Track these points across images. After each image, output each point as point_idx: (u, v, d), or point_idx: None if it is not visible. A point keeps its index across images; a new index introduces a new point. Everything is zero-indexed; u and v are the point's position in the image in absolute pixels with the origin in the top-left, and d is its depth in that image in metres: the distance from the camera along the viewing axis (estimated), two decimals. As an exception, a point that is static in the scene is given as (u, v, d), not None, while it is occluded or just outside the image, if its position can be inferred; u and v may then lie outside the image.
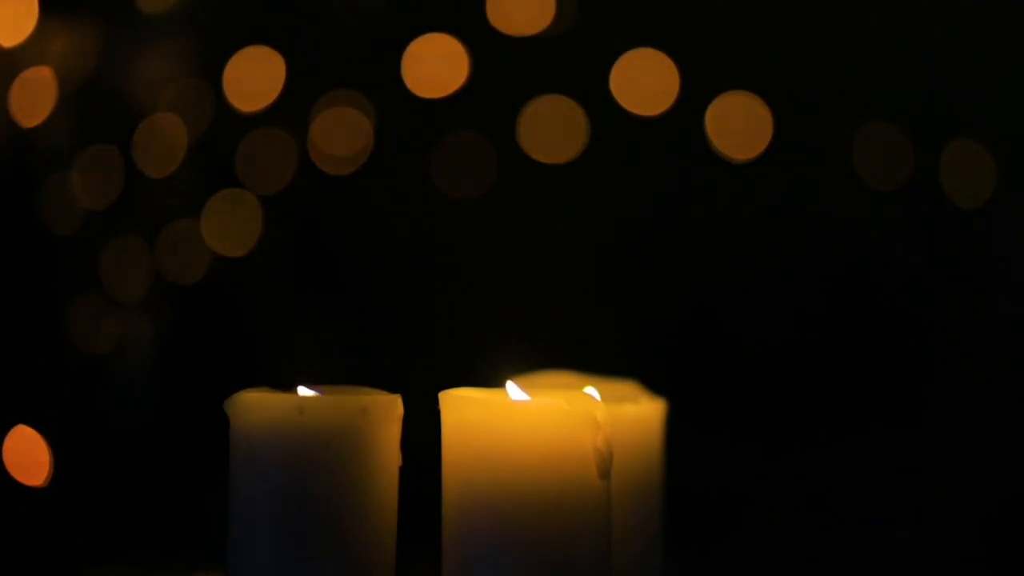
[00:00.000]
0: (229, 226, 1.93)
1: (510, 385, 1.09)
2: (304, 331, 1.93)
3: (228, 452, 1.09)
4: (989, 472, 1.86)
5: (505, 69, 1.93)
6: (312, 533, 1.06)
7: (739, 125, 1.90)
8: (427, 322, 1.95)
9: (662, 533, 1.23)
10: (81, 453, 1.86)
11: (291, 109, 1.93)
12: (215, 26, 1.94)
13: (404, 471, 1.10)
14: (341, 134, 1.94)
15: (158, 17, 1.92)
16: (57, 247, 1.90)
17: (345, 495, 1.06)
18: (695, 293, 1.94)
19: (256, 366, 1.90)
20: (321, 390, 1.12)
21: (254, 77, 1.93)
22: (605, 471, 1.04)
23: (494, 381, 1.12)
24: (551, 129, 1.92)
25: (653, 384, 1.26)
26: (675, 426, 1.25)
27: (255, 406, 1.07)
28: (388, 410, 1.09)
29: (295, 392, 1.11)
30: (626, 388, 1.25)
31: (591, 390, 1.17)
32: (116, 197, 1.91)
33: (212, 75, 1.92)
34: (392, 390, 1.11)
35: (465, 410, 1.05)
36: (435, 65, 1.92)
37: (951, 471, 1.86)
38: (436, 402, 1.07)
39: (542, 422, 1.03)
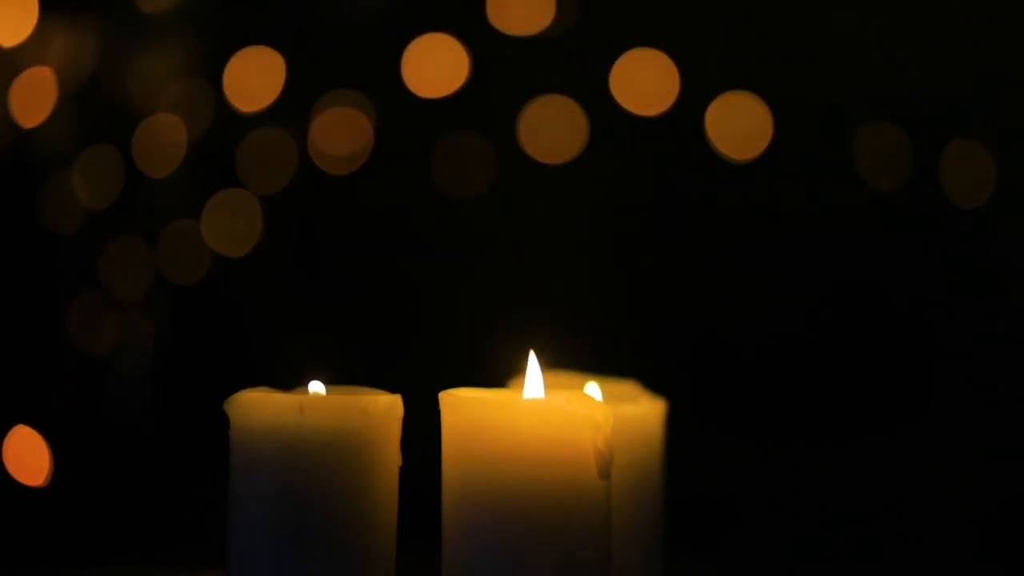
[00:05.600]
0: (229, 226, 1.93)
1: (531, 364, 1.08)
2: (304, 331, 1.93)
3: (228, 452, 1.09)
4: (990, 472, 1.86)
5: (505, 69, 1.93)
6: (312, 533, 1.06)
7: (739, 125, 1.90)
8: (427, 322, 1.95)
9: (662, 533, 1.23)
10: (81, 453, 1.86)
11: (291, 109, 1.93)
12: (215, 26, 1.94)
13: (404, 471, 1.10)
14: (341, 134, 1.94)
15: (158, 17, 1.92)
16: (57, 247, 1.90)
17: (345, 495, 1.06)
18: (695, 293, 1.94)
19: (256, 366, 1.90)
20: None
21: (254, 77, 1.93)
22: (605, 471, 1.04)
23: (494, 381, 1.12)
24: (551, 129, 1.92)
25: (653, 384, 1.26)
26: (675, 426, 1.25)
27: (255, 406, 1.07)
28: (388, 410, 1.09)
29: (304, 388, 1.11)
30: (626, 388, 1.25)
31: (592, 388, 1.18)
32: (116, 197, 1.91)
33: (212, 75, 1.93)
34: (392, 390, 1.11)
35: (465, 410, 1.05)
36: (435, 65, 1.92)
37: (951, 471, 1.86)
38: (436, 402, 1.07)
39: (542, 422, 1.03)
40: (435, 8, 1.94)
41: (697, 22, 1.93)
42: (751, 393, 1.92)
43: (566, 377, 1.24)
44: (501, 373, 1.18)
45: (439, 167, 1.94)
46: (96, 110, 1.91)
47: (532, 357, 1.09)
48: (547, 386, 1.09)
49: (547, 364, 1.21)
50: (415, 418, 1.11)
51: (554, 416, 1.04)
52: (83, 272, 1.90)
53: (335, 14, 1.93)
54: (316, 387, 1.12)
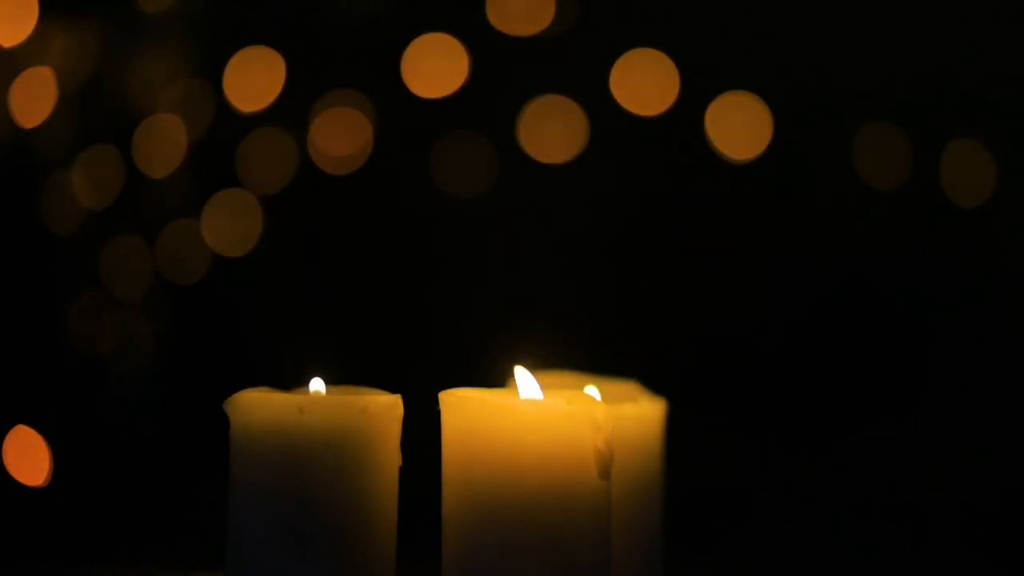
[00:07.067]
0: (229, 226, 1.93)
1: (518, 371, 1.08)
2: (304, 331, 1.93)
3: (228, 452, 1.09)
4: (989, 472, 1.86)
5: (505, 69, 1.93)
6: (312, 533, 1.06)
7: (739, 125, 1.90)
8: (427, 322, 1.95)
9: (662, 533, 1.23)
10: (81, 453, 1.86)
11: (291, 109, 1.93)
12: (215, 26, 1.94)
13: (404, 471, 1.10)
14: (341, 134, 1.94)
15: (158, 17, 1.92)
16: (57, 247, 1.90)
17: (345, 495, 1.07)
18: (694, 293, 1.94)
19: (256, 366, 1.90)
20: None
21: (254, 77, 1.93)
22: (605, 471, 1.04)
23: (494, 381, 1.12)
24: (551, 129, 1.92)
25: (653, 384, 1.26)
26: (675, 426, 1.25)
27: (255, 406, 1.07)
28: (388, 410, 1.09)
29: (304, 388, 1.11)
30: (626, 388, 1.25)
31: (592, 390, 1.18)
32: (116, 197, 1.91)
33: (212, 75, 1.93)
34: (392, 390, 1.11)
35: (465, 410, 1.05)
36: (435, 65, 1.92)
37: (951, 471, 1.86)
38: (436, 402, 1.07)
39: (542, 422, 1.03)
40: (435, 8, 1.94)
41: (697, 22, 1.93)
42: (751, 393, 1.92)
43: (566, 377, 1.24)
44: (501, 373, 1.18)
45: (439, 167, 1.94)
46: (96, 110, 1.91)
47: (521, 370, 1.09)
48: (547, 387, 1.09)
49: (546, 365, 1.21)
50: (415, 418, 1.11)
51: (554, 416, 1.04)
52: (83, 272, 1.90)
53: (335, 14, 1.93)
54: (316, 387, 1.12)
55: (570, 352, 1.40)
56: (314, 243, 1.98)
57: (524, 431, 1.03)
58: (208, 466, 1.33)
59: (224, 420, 1.09)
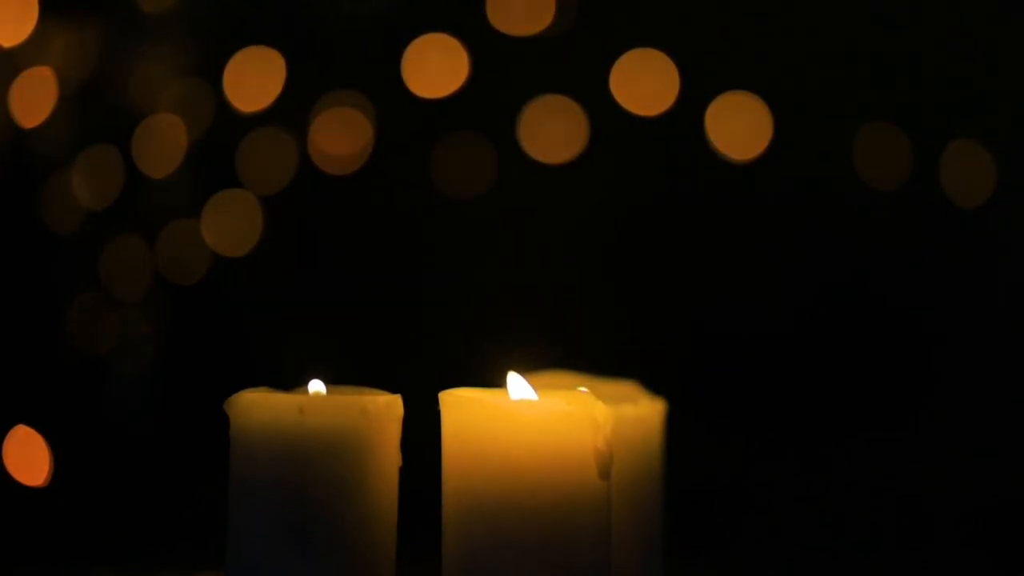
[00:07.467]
0: (229, 226, 1.93)
1: (512, 377, 1.09)
2: (304, 331, 1.93)
3: (228, 452, 1.09)
4: (989, 472, 1.86)
5: (505, 69, 1.93)
6: (312, 533, 1.06)
7: (739, 125, 1.90)
8: (427, 322, 1.95)
9: (662, 533, 1.23)
10: (81, 453, 1.86)
11: (291, 109, 1.93)
12: (215, 26, 1.94)
13: (404, 471, 1.10)
14: (341, 134, 1.94)
15: (158, 17, 1.92)
16: (57, 247, 1.90)
17: (345, 495, 1.07)
18: (694, 293, 1.94)
19: (256, 366, 1.90)
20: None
21: (254, 77, 1.93)
22: (605, 471, 1.04)
23: (494, 381, 1.12)
24: (551, 129, 1.92)
25: (653, 384, 1.26)
26: (675, 426, 1.25)
27: (255, 406, 1.07)
28: (388, 410, 1.09)
29: (304, 389, 1.11)
30: (626, 388, 1.25)
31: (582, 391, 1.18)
32: (116, 197, 1.91)
33: (212, 75, 1.93)
34: (392, 390, 1.11)
35: (465, 410, 1.05)
36: (435, 65, 1.92)
37: (951, 470, 1.86)
38: (436, 402, 1.07)
39: (542, 422, 1.03)
40: (435, 8, 1.94)
41: (697, 22, 1.93)
42: (751, 393, 1.92)
43: (564, 377, 1.24)
44: (501, 373, 1.18)
45: (439, 167, 1.94)
46: (96, 110, 1.91)
47: (514, 377, 1.09)
48: (545, 387, 1.09)
49: (545, 365, 1.21)
50: (415, 418, 1.11)
51: (554, 416, 1.04)
52: (83, 272, 1.90)
53: (335, 14, 1.93)
54: (316, 387, 1.12)
55: (570, 352, 1.40)
56: (314, 243, 1.98)
57: (524, 431, 1.03)
58: (208, 466, 1.33)
59: (224, 420, 1.09)
